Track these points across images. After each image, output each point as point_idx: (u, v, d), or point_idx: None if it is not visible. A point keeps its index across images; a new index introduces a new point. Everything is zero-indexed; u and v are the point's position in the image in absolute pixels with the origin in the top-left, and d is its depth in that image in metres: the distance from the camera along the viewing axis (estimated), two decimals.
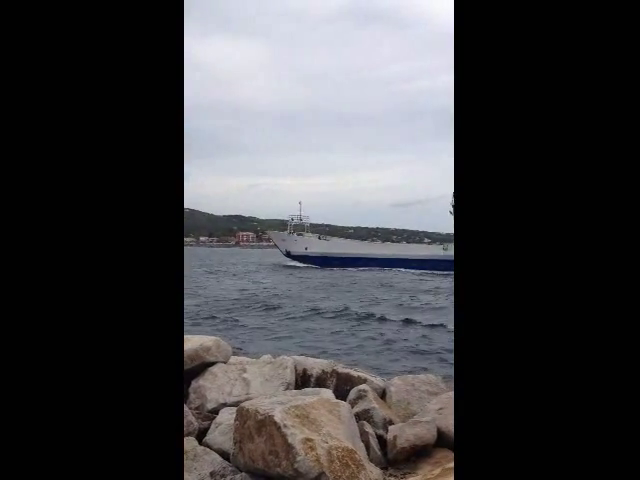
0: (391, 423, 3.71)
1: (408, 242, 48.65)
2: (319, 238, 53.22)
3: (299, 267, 47.07)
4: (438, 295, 23.72)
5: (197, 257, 71.54)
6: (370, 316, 16.15)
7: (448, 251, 43.26)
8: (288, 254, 51.64)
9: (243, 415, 3.06)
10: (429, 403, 3.85)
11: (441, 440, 3.46)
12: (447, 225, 45.62)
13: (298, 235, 52.52)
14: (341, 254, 48.06)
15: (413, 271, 42.52)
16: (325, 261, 47.33)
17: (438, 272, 40.34)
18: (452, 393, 3.79)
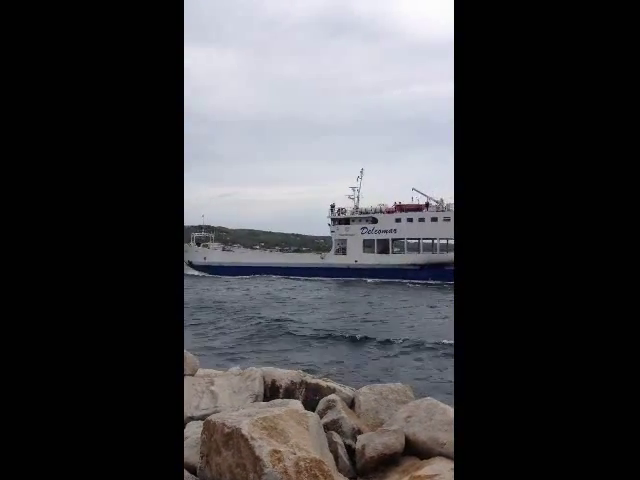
0: (360, 432, 3.72)
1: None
2: (223, 249, 55.76)
3: (195, 276, 49.04)
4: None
5: None
6: None
7: (325, 259, 48.82)
8: (190, 264, 53.31)
9: (210, 428, 3.03)
10: (397, 412, 3.88)
11: (409, 448, 3.49)
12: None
13: (203, 246, 54.66)
14: (237, 263, 50.75)
15: (291, 278, 46.05)
16: (222, 270, 49.59)
17: (315, 278, 44.35)
18: (419, 401, 3.83)
